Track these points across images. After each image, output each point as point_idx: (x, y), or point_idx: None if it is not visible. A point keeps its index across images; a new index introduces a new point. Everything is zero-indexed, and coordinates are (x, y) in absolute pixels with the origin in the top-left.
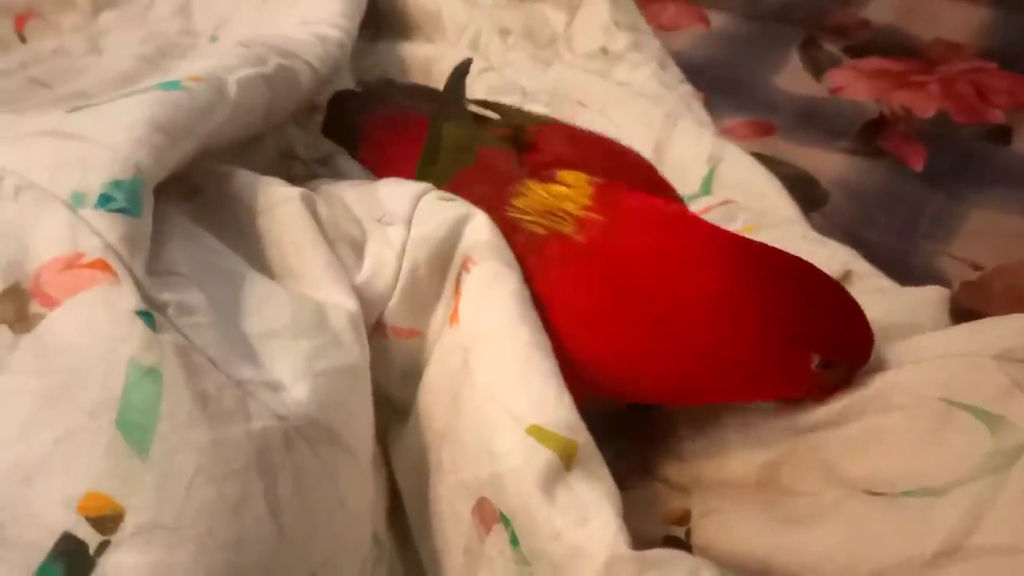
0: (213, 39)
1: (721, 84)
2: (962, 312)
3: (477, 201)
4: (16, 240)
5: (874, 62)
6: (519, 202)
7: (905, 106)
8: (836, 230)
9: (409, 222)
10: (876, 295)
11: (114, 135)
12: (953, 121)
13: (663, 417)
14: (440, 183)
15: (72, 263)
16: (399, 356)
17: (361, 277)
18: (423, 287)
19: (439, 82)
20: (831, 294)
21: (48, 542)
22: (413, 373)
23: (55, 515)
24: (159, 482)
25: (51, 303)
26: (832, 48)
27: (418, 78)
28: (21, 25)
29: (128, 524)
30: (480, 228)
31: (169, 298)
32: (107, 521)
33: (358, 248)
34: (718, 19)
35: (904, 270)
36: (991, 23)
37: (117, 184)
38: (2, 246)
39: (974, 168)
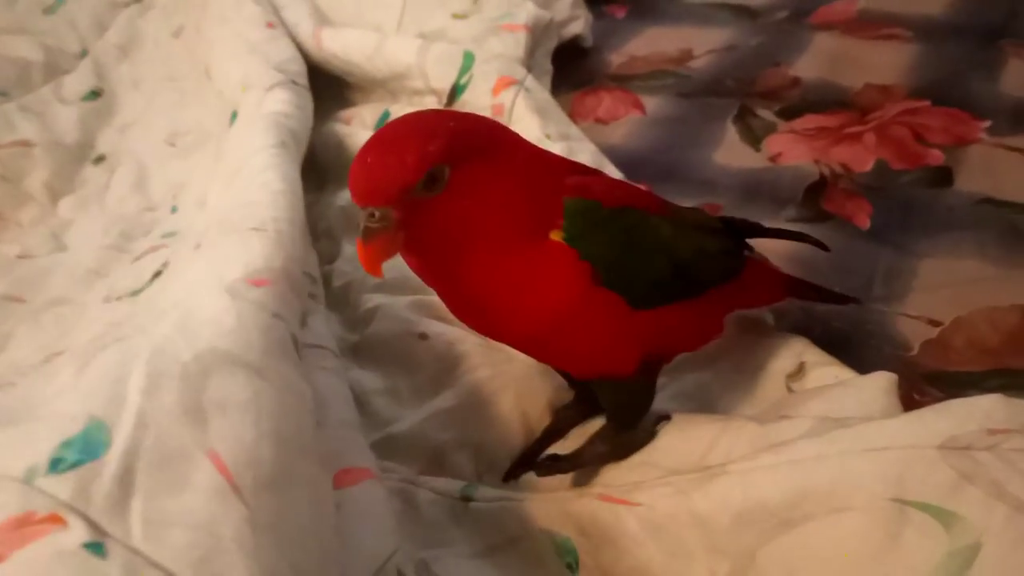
0: (174, 209)
1: (663, 171)
2: (926, 376)
3: None
4: None
5: (809, 120)
6: None
7: (843, 163)
8: (791, 308)
9: None
10: (827, 392)
11: (68, 404)
12: (892, 170)
13: (627, 530)
14: None
15: (23, 522)
16: None
17: None
18: None
19: None
20: None
21: None
22: None
23: None
24: None
25: None
26: (766, 114)
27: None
28: None
29: None
30: None
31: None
32: None
33: None
34: (652, 103)
35: (861, 339)
36: (919, 60)
37: (67, 444)
38: None
39: (919, 216)
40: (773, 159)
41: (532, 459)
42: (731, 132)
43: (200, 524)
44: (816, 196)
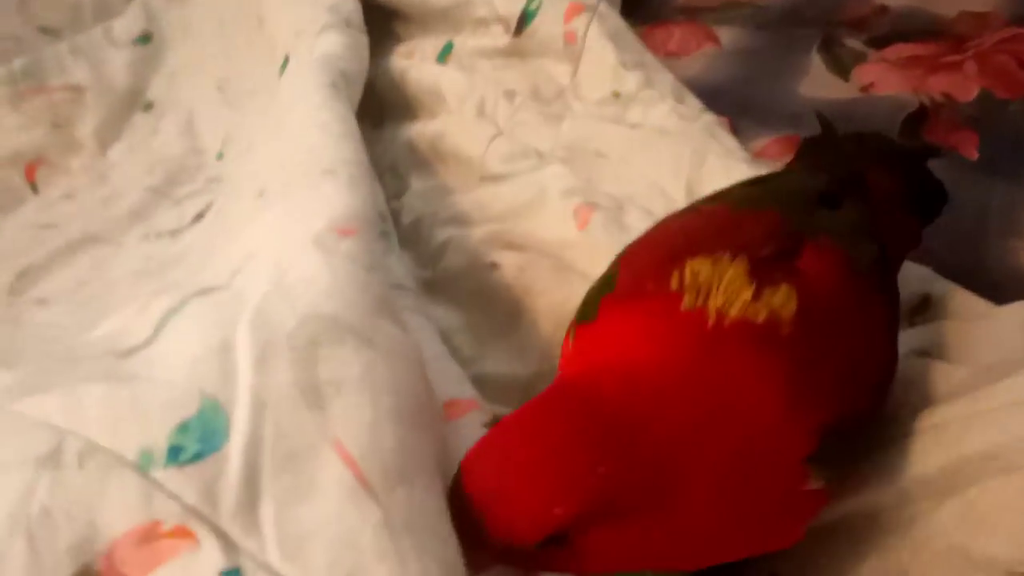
0: (219, 156)
1: (744, 104)
2: None
3: None
4: (84, 516)
5: (902, 49)
6: None
7: (944, 92)
8: None
9: None
10: (961, 327)
11: (171, 369)
12: (998, 99)
13: None
14: None
15: (149, 535)
16: None
17: None
18: None
19: (447, 158)
20: None
21: None
22: None
23: None
24: None
25: None
26: (854, 43)
27: (428, 156)
28: (32, 174)
29: None
30: None
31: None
32: None
33: None
34: (727, 35)
35: (982, 277)
36: None
37: (184, 428)
38: (69, 525)
39: None
40: (865, 89)
41: None
42: (816, 62)
43: (339, 535)
44: (916, 127)
